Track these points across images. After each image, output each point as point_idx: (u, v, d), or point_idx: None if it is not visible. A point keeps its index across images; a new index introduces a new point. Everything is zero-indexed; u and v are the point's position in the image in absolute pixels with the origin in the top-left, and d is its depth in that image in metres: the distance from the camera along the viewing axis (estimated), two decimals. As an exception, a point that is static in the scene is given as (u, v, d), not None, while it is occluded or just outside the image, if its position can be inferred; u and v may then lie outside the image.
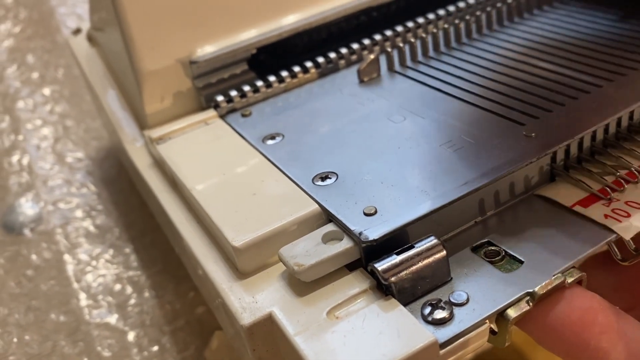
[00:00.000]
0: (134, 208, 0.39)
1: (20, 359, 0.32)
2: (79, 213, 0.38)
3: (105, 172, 0.41)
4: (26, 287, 0.35)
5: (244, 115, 0.29)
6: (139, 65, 0.30)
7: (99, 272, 0.36)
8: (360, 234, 0.20)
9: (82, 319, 0.34)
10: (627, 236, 0.20)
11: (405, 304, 0.19)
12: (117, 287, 0.35)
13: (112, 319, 0.34)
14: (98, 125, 0.43)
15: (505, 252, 0.20)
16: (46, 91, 0.45)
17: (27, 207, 0.39)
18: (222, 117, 0.29)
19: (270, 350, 0.20)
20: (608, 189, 0.22)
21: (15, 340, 0.33)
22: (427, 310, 0.18)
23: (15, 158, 0.41)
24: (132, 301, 0.35)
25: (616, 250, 0.20)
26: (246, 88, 0.30)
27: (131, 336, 0.33)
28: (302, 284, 0.20)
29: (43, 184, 0.40)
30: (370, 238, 0.20)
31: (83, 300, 0.35)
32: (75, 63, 0.41)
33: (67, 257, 0.36)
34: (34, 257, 0.36)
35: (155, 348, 0.33)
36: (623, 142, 0.24)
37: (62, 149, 0.42)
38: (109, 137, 0.41)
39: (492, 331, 0.19)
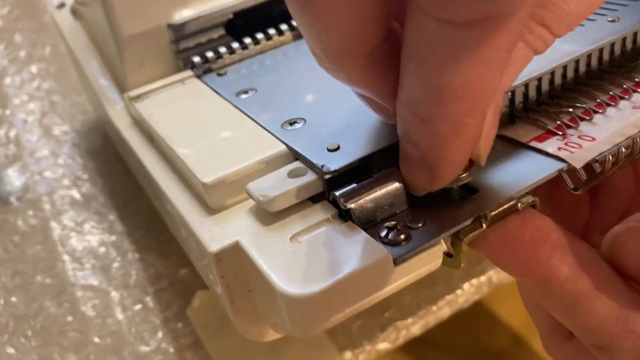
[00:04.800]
0: (118, 177, 0.40)
1: (7, 320, 0.33)
2: (65, 182, 0.39)
3: (91, 144, 0.42)
4: (13, 252, 0.36)
5: (219, 75, 0.30)
6: (118, 31, 0.31)
7: (84, 237, 0.37)
8: (322, 166, 0.21)
9: (67, 281, 0.35)
10: (578, 165, 0.21)
11: (364, 229, 0.20)
12: (102, 250, 0.36)
13: (97, 280, 0.35)
14: (84, 100, 0.44)
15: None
16: (33, 69, 0.46)
17: (14, 178, 0.39)
18: (199, 77, 0.30)
19: (239, 277, 0.21)
20: (563, 126, 0.22)
21: (2, 302, 0.34)
22: (384, 232, 0.19)
23: (2, 131, 0.42)
24: (116, 264, 0.36)
25: (568, 180, 0.21)
26: (222, 49, 0.31)
27: (115, 296, 0.34)
28: (268, 215, 0.21)
29: (30, 155, 0.41)
30: (332, 169, 0.20)
31: (68, 263, 0.35)
32: (61, 39, 0.42)
33: (53, 224, 0.37)
34: (20, 223, 0.37)
35: (139, 307, 0.34)
36: (581, 86, 0.25)
37: (49, 123, 0.43)
38: (94, 110, 0.42)
39: (448, 254, 0.20)
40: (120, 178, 0.40)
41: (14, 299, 0.34)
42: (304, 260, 0.19)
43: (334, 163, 0.21)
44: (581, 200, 0.24)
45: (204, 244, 0.20)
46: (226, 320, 0.34)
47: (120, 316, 0.33)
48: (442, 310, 0.35)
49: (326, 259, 0.18)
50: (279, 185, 0.21)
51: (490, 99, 0.17)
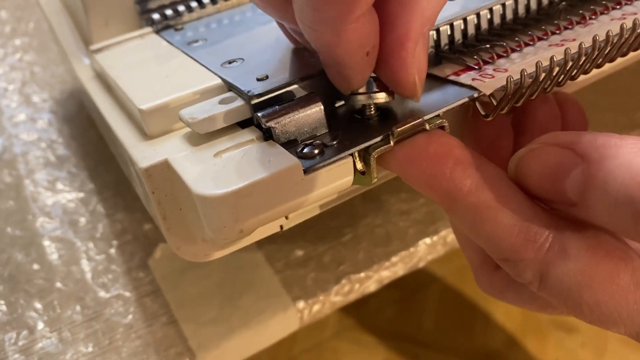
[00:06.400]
0: (92, 142, 0.42)
1: (-23, 269, 0.35)
2: (40, 145, 0.41)
3: (68, 111, 0.44)
4: (-14, 208, 0.38)
5: (176, 30, 0.32)
6: (85, -9, 0.32)
7: (55, 194, 0.38)
8: (248, 91, 0.22)
9: (36, 232, 0.36)
10: (487, 92, 0.22)
11: (285, 148, 0.21)
12: (71, 206, 0.38)
13: (64, 233, 0.36)
14: (63, 71, 0.46)
15: (379, 108, 0.23)
16: (17, 42, 0.48)
17: (-8, 140, 0.41)
18: (157, 32, 0.32)
19: (169, 195, 0.22)
20: (481, 61, 0.24)
21: (-27, 252, 0.36)
22: (300, 148, 0.21)
23: (-17, 98, 0.44)
24: (84, 219, 0.37)
25: (480, 107, 0.22)
26: (181, 8, 0.33)
27: (81, 247, 0.36)
28: (198, 138, 0.22)
29: (8, 120, 0.43)
30: (256, 93, 0.22)
31: (38, 216, 0.37)
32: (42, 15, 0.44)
33: (26, 181, 0.39)
34: (-6, 180, 0.39)
35: (103, 257, 0.35)
36: (508, 31, 0.26)
37: (29, 91, 0.45)
38: (71, 80, 0.44)
39: (362, 172, 0.21)
40: (94, 142, 0.42)
41: (-16, 249, 0.36)
42: (222, 170, 0.20)
43: (260, 89, 0.22)
44: (503, 135, 0.26)
45: (136, 162, 0.22)
46: (185, 271, 0.35)
47: (84, 265, 0.35)
48: (396, 266, 0.36)
49: (243, 169, 0.20)
50: (208, 109, 0.22)
51: (365, 5, 0.18)
